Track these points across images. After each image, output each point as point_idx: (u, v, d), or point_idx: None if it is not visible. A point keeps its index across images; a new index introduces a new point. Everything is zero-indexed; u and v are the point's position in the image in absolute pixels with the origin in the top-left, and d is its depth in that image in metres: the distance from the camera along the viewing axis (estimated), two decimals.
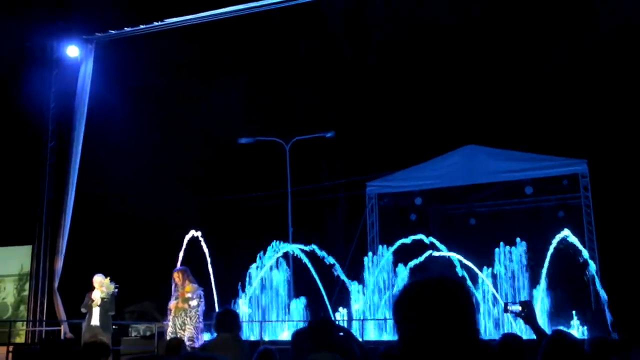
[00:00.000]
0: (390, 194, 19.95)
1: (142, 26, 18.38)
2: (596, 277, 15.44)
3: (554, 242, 15.19)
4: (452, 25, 19.45)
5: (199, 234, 16.42)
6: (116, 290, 13.41)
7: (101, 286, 13.12)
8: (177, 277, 12.70)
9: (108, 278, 13.26)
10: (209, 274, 16.36)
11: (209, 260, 16.50)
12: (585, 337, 13.16)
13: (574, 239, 15.35)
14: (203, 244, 16.46)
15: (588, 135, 18.61)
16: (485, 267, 15.49)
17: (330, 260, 16.32)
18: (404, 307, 2.04)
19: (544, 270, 15.17)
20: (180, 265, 13.30)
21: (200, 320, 12.50)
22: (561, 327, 10.01)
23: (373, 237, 19.50)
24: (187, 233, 16.54)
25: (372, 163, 21.02)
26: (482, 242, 17.15)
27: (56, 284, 17.92)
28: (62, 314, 17.69)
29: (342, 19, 21.10)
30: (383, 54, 21.21)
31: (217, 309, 15.62)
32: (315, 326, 5.52)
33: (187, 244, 16.40)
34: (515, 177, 18.41)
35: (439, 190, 19.55)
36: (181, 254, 16.13)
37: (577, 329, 14.42)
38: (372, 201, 19.83)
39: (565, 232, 15.31)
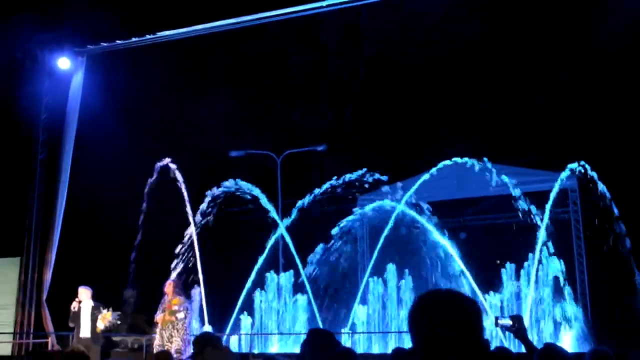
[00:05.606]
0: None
1: (134, 39, 18.38)
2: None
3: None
4: (444, 40, 19.57)
5: (170, 162, 17.37)
6: (118, 322, 13.30)
7: (103, 319, 12.79)
8: (168, 287, 12.67)
9: (109, 311, 12.85)
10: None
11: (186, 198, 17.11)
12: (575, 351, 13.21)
13: None
14: (178, 175, 17.33)
15: (577, 150, 18.65)
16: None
17: None
18: (418, 317, 2.21)
19: (532, 282, 15.23)
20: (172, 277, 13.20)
21: (188, 332, 12.48)
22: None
23: (364, 250, 19.46)
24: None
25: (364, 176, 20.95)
26: (472, 257, 17.15)
27: (45, 296, 17.81)
28: (49, 325, 17.56)
29: (334, 33, 21.17)
30: (375, 67, 21.27)
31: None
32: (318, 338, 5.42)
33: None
34: (506, 191, 18.40)
35: (430, 204, 19.48)
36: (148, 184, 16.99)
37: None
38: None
39: None
